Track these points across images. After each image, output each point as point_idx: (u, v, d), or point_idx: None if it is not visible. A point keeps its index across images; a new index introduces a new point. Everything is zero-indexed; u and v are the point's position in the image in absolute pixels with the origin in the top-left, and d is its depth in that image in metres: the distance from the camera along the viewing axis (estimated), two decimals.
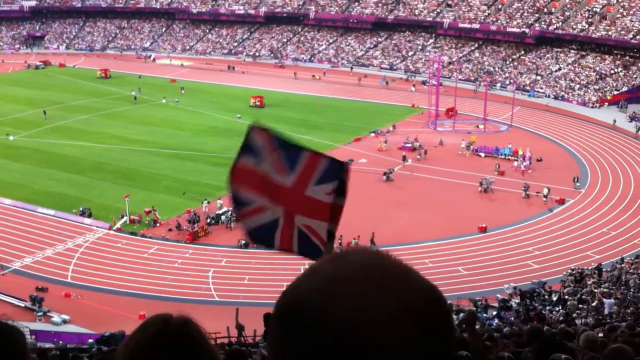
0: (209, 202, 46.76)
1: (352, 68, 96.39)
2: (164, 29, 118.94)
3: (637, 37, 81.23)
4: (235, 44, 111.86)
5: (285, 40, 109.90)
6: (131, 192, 47.23)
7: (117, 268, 38.61)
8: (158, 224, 44.68)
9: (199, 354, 1.86)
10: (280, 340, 1.28)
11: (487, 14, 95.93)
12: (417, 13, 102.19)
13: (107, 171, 54.40)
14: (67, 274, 38.18)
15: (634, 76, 79.50)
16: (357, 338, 1.19)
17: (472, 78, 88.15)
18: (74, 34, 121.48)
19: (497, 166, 54.57)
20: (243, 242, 40.90)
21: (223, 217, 45.01)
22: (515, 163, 55.83)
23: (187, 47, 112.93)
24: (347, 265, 1.28)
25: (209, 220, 44.66)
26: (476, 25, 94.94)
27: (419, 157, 57.61)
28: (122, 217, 45.16)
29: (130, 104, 77.19)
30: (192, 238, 42.66)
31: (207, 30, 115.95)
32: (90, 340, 25.95)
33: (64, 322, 33.03)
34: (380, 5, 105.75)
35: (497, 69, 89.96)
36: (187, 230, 43.32)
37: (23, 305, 34.55)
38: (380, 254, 1.32)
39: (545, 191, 48.40)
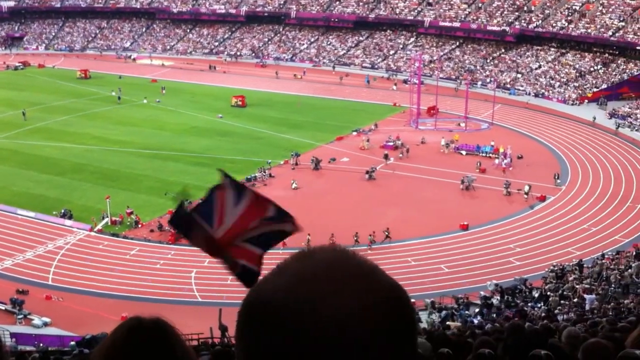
0: (190, 202, 46.35)
1: (334, 67, 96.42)
2: (144, 28, 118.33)
3: (616, 34, 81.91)
4: (217, 43, 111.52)
5: (266, 39, 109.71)
6: (112, 193, 46.97)
7: (98, 270, 38.34)
8: (140, 225, 44.44)
9: (172, 354, 1.88)
10: (245, 340, 1.28)
11: (467, 13, 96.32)
12: (398, 12, 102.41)
13: (88, 172, 54.04)
14: (48, 276, 37.86)
15: (614, 73, 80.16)
16: (321, 337, 1.19)
17: (453, 76, 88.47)
18: (53, 34, 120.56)
19: (479, 164, 54.79)
20: None
21: None
22: (497, 161, 56.10)
23: (168, 47, 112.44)
24: (313, 264, 1.28)
25: None
26: (457, 24, 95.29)
27: (401, 155, 57.73)
28: (104, 218, 44.88)
29: (112, 105, 76.74)
30: (174, 239, 42.37)
31: (188, 30, 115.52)
32: (72, 343, 25.75)
33: (45, 324, 32.74)
34: (361, 4, 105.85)
35: (477, 67, 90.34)
36: (169, 231, 43.04)
37: (3, 308, 34.23)
38: (346, 253, 1.32)
39: (527, 188, 48.68)
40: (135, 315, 1.94)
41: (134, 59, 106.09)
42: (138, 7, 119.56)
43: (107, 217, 44.81)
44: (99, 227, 44.23)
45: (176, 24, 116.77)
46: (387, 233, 41.66)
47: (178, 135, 64.55)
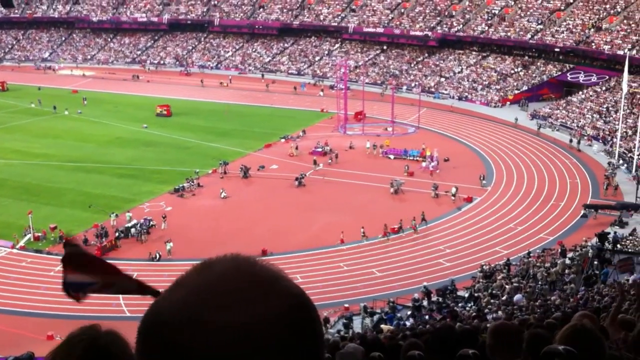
0: (117, 215, 45.47)
1: (263, 75, 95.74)
2: (63, 38, 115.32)
3: (535, 37, 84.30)
4: (139, 52, 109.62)
5: (190, 47, 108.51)
6: (35, 208, 45.37)
7: (22, 288, 36.99)
8: (64, 240, 42.96)
9: None
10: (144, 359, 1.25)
11: (390, 18, 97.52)
12: (322, 18, 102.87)
13: (9, 187, 52.10)
14: None
15: (534, 75, 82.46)
16: (220, 353, 1.17)
17: (379, 81, 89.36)
18: None
19: (407, 167, 55.37)
20: (155, 254, 39.99)
21: (133, 230, 43.88)
22: (424, 164, 56.82)
23: (88, 57, 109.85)
24: (212, 276, 1.25)
25: (117, 234, 43.39)
26: (380, 30, 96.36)
27: (330, 161, 57.85)
28: (26, 234, 43.34)
29: (31, 117, 74.38)
30: (100, 253, 41.25)
31: (109, 39, 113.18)
32: None
33: None
34: (285, 11, 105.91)
35: (402, 72, 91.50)
36: (95, 245, 41.92)
37: None
38: (248, 262, 1.29)
39: (454, 190, 49.44)
40: (87, 328, 1.74)
41: (55, 70, 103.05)
42: (56, 16, 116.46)
43: (30, 233, 43.29)
44: (22, 243, 42.68)
45: (96, 33, 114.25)
46: (422, 216, 44.41)
47: (102, 146, 63.02)
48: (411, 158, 58.48)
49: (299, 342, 1.22)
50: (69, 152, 60.74)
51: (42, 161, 58.31)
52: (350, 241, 42.44)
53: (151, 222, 45.02)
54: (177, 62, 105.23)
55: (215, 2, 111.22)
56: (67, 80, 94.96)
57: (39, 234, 43.29)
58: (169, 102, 77.19)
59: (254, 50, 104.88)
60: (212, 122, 71.18)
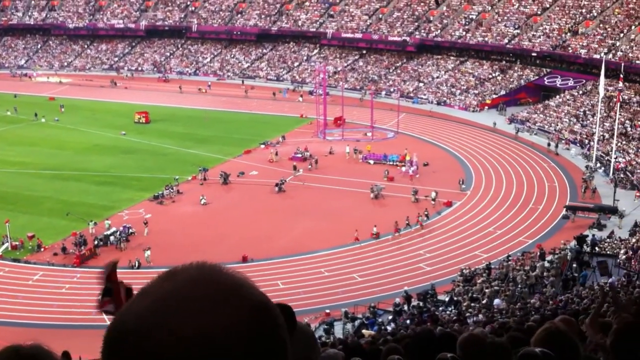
0: (95, 223, 45.08)
1: (243, 81, 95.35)
2: (39, 45, 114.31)
3: (512, 41, 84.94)
4: (116, 58, 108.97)
5: (168, 54, 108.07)
6: (12, 217, 44.86)
7: (0, 298, 36.56)
8: (42, 249, 42.64)
9: None
10: None
11: (368, 24, 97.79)
12: (300, 24, 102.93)
13: None
14: None
15: (511, 80, 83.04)
16: None
17: (358, 87, 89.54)
18: None
19: (386, 172, 55.48)
20: (135, 262, 39.70)
21: (112, 238, 43.54)
22: (403, 168, 56.96)
23: (65, 64, 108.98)
24: (177, 284, 1.26)
25: (96, 242, 43.02)
26: (359, 35, 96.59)
27: (310, 166, 57.81)
28: (3, 243, 42.84)
29: (7, 124, 73.64)
30: (79, 261, 40.96)
31: (86, 46, 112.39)
32: None
33: None
34: (263, 17, 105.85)
35: (381, 77, 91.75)
36: (73, 254, 41.56)
37: None
38: (213, 270, 1.29)
39: (433, 194, 49.58)
40: (13, 344, 1.75)
41: (31, 77, 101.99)
42: (32, 23, 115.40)
43: (7, 241, 42.80)
44: None
45: (73, 39, 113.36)
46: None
47: (80, 154, 62.50)
48: (391, 163, 58.59)
49: (263, 348, 1.23)
50: (46, 160, 60.17)
51: (19, 169, 57.71)
52: (335, 245, 42.42)
53: (130, 230, 44.71)
54: (155, 69, 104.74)
55: (193, 8, 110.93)
56: (43, 87, 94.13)
57: (17, 243, 42.84)
58: (147, 108, 76.77)
59: (232, 56, 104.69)
60: (191, 129, 70.88)
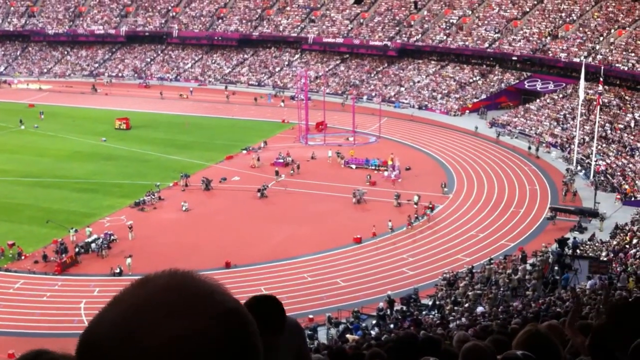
0: (76, 231, 44.69)
1: (227, 87, 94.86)
2: (18, 51, 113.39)
3: (493, 46, 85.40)
4: (96, 65, 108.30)
5: (149, 59, 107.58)
6: None
7: None
8: (23, 257, 42.21)
9: None
10: None
11: (350, 29, 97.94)
12: (281, 29, 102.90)
13: None
14: None
15: (492, 84, 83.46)
16: None
17: (339, 91, 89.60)
18: None
19: (368, 177, 55.51)
20: (117, 269, 39.40)
21: (93, 245, 43.17)
22: (386, 173, 57.01)
23: (45, 70, 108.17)
24: (148, 293, 1.26)
25: (77, 250, 42.63)
26: (340, 40, 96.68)
27: (292, 172, 57.71)
28: None
29: None
30: (60, 269, 40.59)
31: (66, 52, 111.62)
32: None
33: None
34: (244, 22, 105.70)
35: (362, 82, 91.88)
36: (54, 261, 41.18)
37: None
38: (184, 277, 1.30)
39: (416, 198, 49.64)
40: (37, 350, 1.61)
41: (11, 84, 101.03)
42: (11, 29, 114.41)
43: None
44: None
45: (53, 46, 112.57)
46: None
47: (60, 161, 61.97)
48: (373, 167, 58.60)
49: (234, 355, 1.23)
50: (26, 168, 59.62)
51: None
52: (318, 250, 42.36)
53: (112, 237, 44.37)
54: (136, 75, 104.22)
55: (174, 13, 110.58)
56: (23, 94, 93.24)
57: None
58: (128, 114, 76.34)
59: (213, 61, 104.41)
60: (172, 135, 70.54)
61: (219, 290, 1.29)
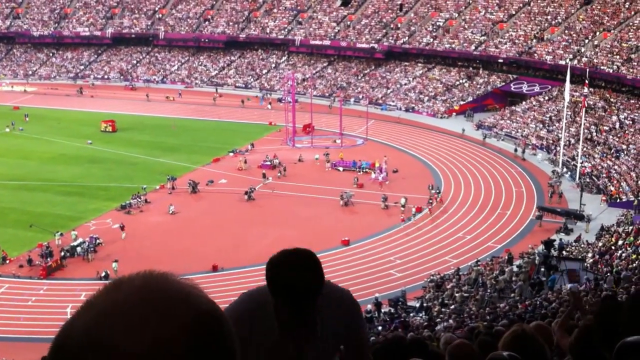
0: (62, 234, 44.38)
1: (217, 89, 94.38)
2: (3, 53, 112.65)
3: (479, 48, 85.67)
4: (82, 67, 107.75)
5: (135, 61, 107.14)
6: None
7: None
8: (8, 261, 41.87)
9: None
10: None
11: (337, 31, 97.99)
12: (268, 31, 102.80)
13: None
14: None
15: (478, 86, 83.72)
16: None
17: (327, 94, 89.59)
18: None
19: (356, 179, 55.51)
20: (103, 273, 39.15)
21: (79, 249, 42.88)
22: (373, 175, 57.04)
23: (30, 72, 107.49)
24: (121, 296, 1.24)
25: (63, 253, 42.34)
26: (327, 42, 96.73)
27: (279, 174, 57.63)
28: None
29: None
30: (45, 273, 40.28)
31: (51, 54, 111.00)
32: None
33: None
34: (231, 24, 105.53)
35: (349, 84, 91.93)
36: (40, 265, 40.86)
37: None
38: (158, 279, 1.28)
39: (403, 201, 49.68)
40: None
41: None
42: None
43: None
44: None
45: (38, 48, 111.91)
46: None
47: (45, 164, 61.57)
48: (360, 170, 58.57)
49: (208, 358, 1.22)
50: (10, 171, 59.18)
51: None
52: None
53: (98, 240, 44.10)
54: (122, 77, 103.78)
55: (160, 15, 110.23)
56: (7, 96, 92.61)
57: None
58: (114, 117, 75.96)
59: (200, 63, 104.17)
60: (158, 137, 70.26)
61: (194, 292, 1.25)
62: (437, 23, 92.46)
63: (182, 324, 1.19)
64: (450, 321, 25.71)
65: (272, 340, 2.97)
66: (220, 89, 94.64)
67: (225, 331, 1.26)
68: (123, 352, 1.15)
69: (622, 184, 53.20)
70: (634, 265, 32.15)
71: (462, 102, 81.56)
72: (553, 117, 69.70)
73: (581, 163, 57.20)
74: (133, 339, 1.16)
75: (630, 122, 63.33)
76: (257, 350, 3.01)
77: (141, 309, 1.19)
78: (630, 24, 76.13)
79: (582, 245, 41.85)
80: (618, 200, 50.97)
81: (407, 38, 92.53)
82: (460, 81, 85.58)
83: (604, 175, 55.56)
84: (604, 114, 66.73)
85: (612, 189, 52.79)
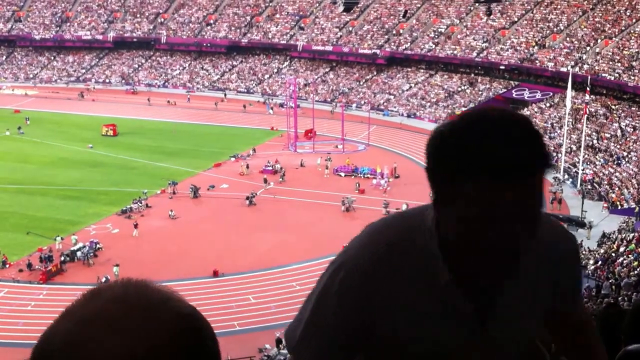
0: (62, 239, 44.24)
1: (225, 94, 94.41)
2: (4, 57, 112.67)
3: (481, 55, 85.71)
4: (83, 70, 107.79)
5: (136, 65, 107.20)
6: None
7: None
8: (7, 265, 41.72)
9: None
10: None
11: (339, 36, 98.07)
12: (270, 36, 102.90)
13: None
14: None
15: (480, 92, 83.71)
16: None
17: (329, 99, 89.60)
18: None
19: (357, 185, 55.42)
20: (103, 278, 39.00)
21: (79, 254, 42.69)
22: (374, 181, 56.94)
23: (31, 76, 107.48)
24: (99, 303, 1.23)
25: (63, 258, 42.19)
26: (329, 48, 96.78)
27: (281, 179, 57.52)
28: None
29: None
30: (45, 278, 40.13)
31: (52, 57, 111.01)
32: None
33: None
34: (233, 29, 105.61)
35: (351, 89, 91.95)
36: (39, 270, 40.70)
37: None
38: (137, 286, 1.27)
39: (404, 207, 49.54)
40: None
41: None
42: None
43: None
44: None
45: (39, 51, 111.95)
46: None
47: (45, 167, 61.44)
48: (362, 176, 58.49)
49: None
50: (10, 174, 59.04)
51: None
52: (307, 259, 42.14)
53: (98, 245, 43.95)
54: (123, 81, 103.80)
55: (162, 19, 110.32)
56: (8, 99, 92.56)
57: None
58: (115, 121, 75.92)
59: (202, 68, 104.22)
60: (160, 142, 70.18)
61: (173, 298, 1.25)
62: (439, 29, 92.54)
63: (163, 329, 1.19)
64: None
65: (429, 295, 1.90)
66: (221, 94, 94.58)
67: (206, 334, 1.25)
68: (105, 358, 1.15)
69: (623, 191, 53.11)
70: (636, 272, 32.03)
71: (463, 109, 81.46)
72: (554, 124, 69.65)
73: (582, 170, 57.11)
74: (114, 344, 1.16)
75: (632, 130, 63.28)
76: (404, 318, 1.93)
77: (122, 314, 1.19)
78: (632, 31, 76.17)
79: (584, 252, 41.71)
80: (619, 207, 50.87)
81: (409, 44, 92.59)
82: (462, 87, 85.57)
83: (606, 182, 55.49)
84: (605, 121, 66.68)
85: (614, 195, 52.70)
